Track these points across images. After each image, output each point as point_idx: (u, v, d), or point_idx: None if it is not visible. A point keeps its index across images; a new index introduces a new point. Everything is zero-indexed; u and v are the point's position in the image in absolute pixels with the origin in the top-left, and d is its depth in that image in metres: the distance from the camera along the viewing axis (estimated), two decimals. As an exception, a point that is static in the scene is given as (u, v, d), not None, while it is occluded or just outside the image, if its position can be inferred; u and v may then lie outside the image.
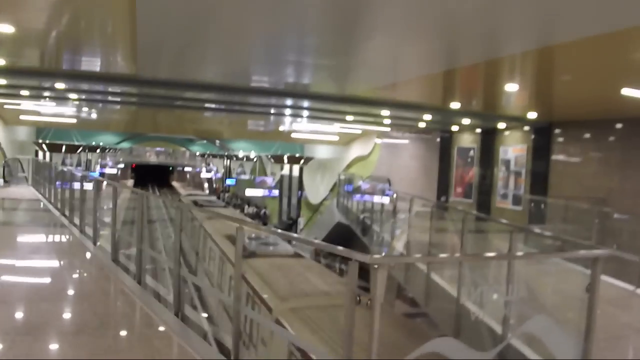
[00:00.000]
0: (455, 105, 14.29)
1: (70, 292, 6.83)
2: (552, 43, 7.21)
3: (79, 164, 47.20)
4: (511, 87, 10.94)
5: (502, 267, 6.07)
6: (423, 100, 14.69)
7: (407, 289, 11.02)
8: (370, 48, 8.56)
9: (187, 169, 79.90)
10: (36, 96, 18.59)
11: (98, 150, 45.26)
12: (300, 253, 10.61)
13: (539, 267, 8.55)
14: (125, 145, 53.32)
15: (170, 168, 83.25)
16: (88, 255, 9.27)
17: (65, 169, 14.80)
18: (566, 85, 10.40)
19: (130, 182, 75.55)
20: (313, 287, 7.36)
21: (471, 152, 19.81)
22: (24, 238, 11.17)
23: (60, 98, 18.91)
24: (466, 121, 17.81)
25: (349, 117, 19.60)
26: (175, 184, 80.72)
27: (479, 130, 19.34)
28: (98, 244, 9.51)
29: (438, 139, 21.73)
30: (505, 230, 7.91)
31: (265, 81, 12.91)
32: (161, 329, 5.35)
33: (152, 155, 77.76)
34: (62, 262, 8.94)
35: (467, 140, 20.18)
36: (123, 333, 5.32)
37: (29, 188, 19.32)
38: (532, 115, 15.05)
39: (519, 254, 7.20)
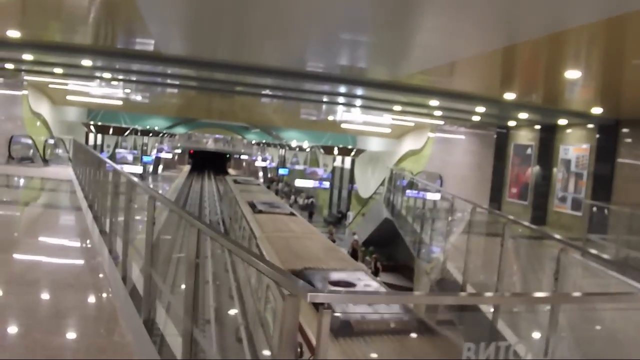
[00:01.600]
0: (511, 96, 13.03)
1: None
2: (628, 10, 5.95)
3: (134, 148, 47.76)
4: (574, 74, 9.65)
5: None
6: (477, 90, 13.63)
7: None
8: (424, 20, 7.74)
9: (243, 157, 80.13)
10: (87, 76, 18.55)
11: (150, 134, 45.42)
12: (294, 212, 14.87)
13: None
14: (180, 130, 53.78)
15: (227, 155, 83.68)
16: (96, 276, 6.96)
17: (96, 153, 14.28)
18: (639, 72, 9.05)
19: (187, 168, 76.60)
20: (288, 228, 11.82)
21: (528, 150, 18.40)
22: (19, 231, 10.20)
23: (111, 79, 18.93)
24: (524, 116, 16.50)
25: (400, 107, 18.75)
26: (231, 171, 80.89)
27: (537, 127, 17.99)
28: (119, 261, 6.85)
29: (494, 135, 20.38)
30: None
31: (320, 66, 12.76)
32: None
33: (210, 142, 78.50)
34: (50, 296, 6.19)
35: (525, 137, 18.78)
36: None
37: (68, 169, 19.11)
38: (597, 110, 13.63)
39: (577, 294, 4.72)
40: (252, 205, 14.71)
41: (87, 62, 14.48)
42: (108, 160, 10.28)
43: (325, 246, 10.33)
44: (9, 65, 16.54)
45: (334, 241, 23.35)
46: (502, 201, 19.51)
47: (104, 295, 6.21)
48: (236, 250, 3.25)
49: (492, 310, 6.15)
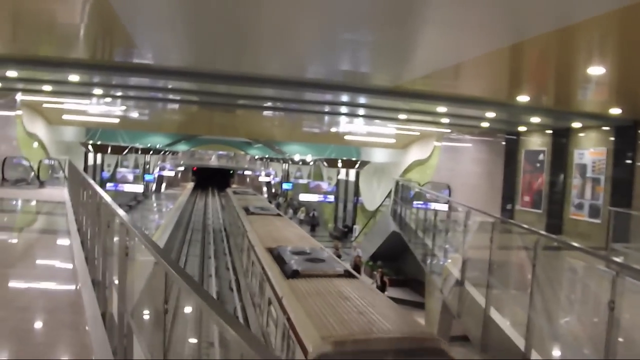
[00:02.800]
0: (521, 98, 12.32)
1: None
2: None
3: (136, 167, 47.19)
4: (591, 71, 8.88)
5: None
6: (485, 93, 12.97)
7: (462, 321, 9.08)
8: (426, 16, 7.16)
9: (247, 172, 79.80)
10: (83, 93, 18.16)
11: (151, 152, 44.86)
12: (280, 214, 19.76)
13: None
14: (182, 147, 53.34)
15: (231, 172, 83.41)
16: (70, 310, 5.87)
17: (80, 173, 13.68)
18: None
19: (190, 185, 76.19)
20: (272, 224, 16.16)
21: (541, 156, 17.62)
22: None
23: (108, 96, 18.65)
24: (535, 120, 15.78)
25: (405, 116, 18.18)
26: (235, 187, 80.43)
27: (549, 132, 17.25)
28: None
29: (503, 142, 19.62)
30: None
31: (322, 72, 12.36)
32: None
33: (213, 159, 78.22)
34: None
35: (536, 143, 18.02)
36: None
37: (64, 190, 18.45)
38: (615, 111, 12.86)
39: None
40: (246, 209, 19.61)
41: (76, 78, 14.08)
42: (91, 182, 9.50)
43: (298, 235, 15.45)
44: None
45: (339, 256, 22.62)
46: (515, 210, 18.71)
47: (78, 331, 5.44)
48: (207, 309, 2.51)
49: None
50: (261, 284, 10.95)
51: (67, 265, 8.46)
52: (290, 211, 43.18)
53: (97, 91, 17.47)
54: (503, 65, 9.69)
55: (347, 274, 9.81)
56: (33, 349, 4.90)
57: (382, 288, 18.75)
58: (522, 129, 18.33)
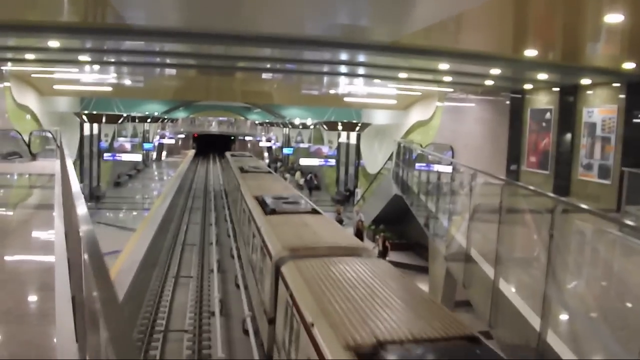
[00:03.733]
0: (529, 53, 11.61)
1: None
2: None
3: (134, 136, 46.61)
4: (608, 19, 8.14)
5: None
6: (489, 47, 12.29)
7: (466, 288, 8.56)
8: None
9: (247, 138, 79.27)
10: (72, 61, 17.60)
11: (149, 120, 44.22)
12: (271, 171, 24.15)
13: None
14: (180, 114, 52.75)
15: (232, 138, 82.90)
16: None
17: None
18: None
19: (191, 152, 75.70)
20: (262, 179, 19.05)
21: (547, 115, 16.93)
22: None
23: (101, 62, 18.25)
24: (542, 76, 15.11)
25: (405, 75, 17.58)
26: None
27: (556, 89, 16.53)
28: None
29: (507, 101, 18.91)
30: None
31: (320, 28, 11.92)
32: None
33: (213, 125, 77.64)
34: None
35: (543, 101, 17.32)
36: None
37: (56, 163, 17.93)
38: (628, 65, 12.10)
39: None
40: (241, 168, 22.52)
41: (66, 44, 13.55)
42: (64, 152, 8.96)
43: (282, 187, 18.77)
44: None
45: (341, 221, 22.20)
46: (520, 171, 18.11)
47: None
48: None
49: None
50: (248, 221, 13.97)
51: (48, 239, 7.98)
52: (288, 175, 42.73)
53: (89, 57, 16.88)
54: (508, 14, 9.04)
55: (314, 211, 12.68)
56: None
57: (384, 253, 18.33)
58: (527, 86, 17.61)
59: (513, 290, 6.45)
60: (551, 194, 6.46)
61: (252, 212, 13.22)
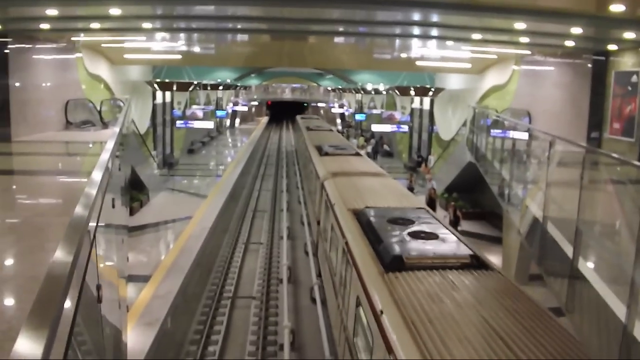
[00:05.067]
0: (615, 8, 10.70)
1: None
2: None
3: (207, 103, 47.32)
4: None
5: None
6: (571, 3, 11.50)
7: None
8: None
9: (320, 104, 79.19)
10: (143, 29, 17.77)
11: (221, 88, 44.62)
12: (332, 129, 33.28)
13: None
14: (253, 81, 53.07)
15: (305, 104, 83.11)
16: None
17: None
18: None
19: (265, 119, 76.47)
20: (325, 136, 25.40)
21: (634, 78, 15.77)
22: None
23: (172, 29, 18.47)
24: (629, 35, 13.94)
25: (479, 35, 16.77)
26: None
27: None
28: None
29: (589, 64, 17.79)
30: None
31: None
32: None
33: (287, 92, 78.00)
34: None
35: (629, 63, 16.10)
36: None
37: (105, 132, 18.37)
38: None
39: None
40: (308, 128, 28.63)
41: (137, 11, 13.76)
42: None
43: (338, 139, 24.83)
44: (44, 25, 15.53)
45: (412, 189, 21.84)
46: (602, 139, 17.10)
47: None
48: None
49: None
50: (309, 161, 19.20)
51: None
52: (354, 140, 42.67)
53: (159, 25, 17.05)
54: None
55: (356, 154, 17.84)
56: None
57: (455, 222, 17.86)
58: (612, 47, 16.40)
59: (594, 271, 5.94)
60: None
61: (311, 155, 18.66)
